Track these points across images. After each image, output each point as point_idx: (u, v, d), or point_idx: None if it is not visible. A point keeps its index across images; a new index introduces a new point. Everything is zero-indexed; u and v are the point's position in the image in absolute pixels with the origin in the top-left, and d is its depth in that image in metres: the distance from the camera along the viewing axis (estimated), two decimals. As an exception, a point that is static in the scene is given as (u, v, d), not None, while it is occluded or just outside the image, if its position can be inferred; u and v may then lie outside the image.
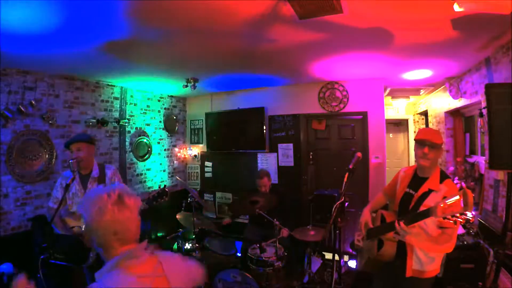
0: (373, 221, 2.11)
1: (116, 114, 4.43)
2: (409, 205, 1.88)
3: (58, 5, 1.92)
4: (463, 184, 3.83)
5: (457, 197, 1.44)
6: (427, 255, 1.83)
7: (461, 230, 3.05)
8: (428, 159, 1.82)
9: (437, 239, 1.73)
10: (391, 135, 6.91)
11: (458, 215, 1.44)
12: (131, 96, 4.70)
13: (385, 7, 2.03)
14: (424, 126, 6.52)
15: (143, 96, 4.93)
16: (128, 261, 0.97)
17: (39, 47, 2.62)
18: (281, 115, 4.95)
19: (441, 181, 1.82)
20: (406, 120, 6.84)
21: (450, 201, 1.47)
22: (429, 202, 1.77)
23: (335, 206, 1.77)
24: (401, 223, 1.66)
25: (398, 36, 2.59)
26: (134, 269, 0.97)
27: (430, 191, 1.82)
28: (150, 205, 2.33)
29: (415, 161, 1.98)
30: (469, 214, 1.45)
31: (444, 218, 1.50)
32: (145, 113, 4.97)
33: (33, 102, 3.30)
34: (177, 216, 3.47)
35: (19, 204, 3.23)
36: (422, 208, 1.75)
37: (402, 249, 1.88)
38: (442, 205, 1.50)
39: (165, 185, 2.41)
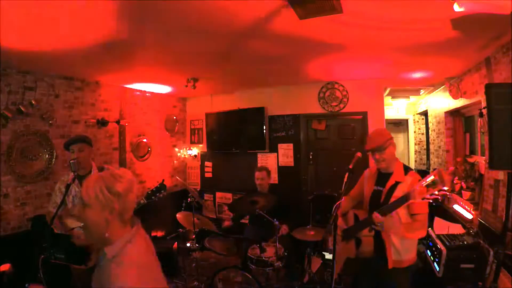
0: (346, 222, 2.17)
1: (116, 114, 4.43)
2: (379, 200, 1.98)
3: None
4: (463, 184, 3.83)
5: (432, 177, 1.58)
6: (403, 244, 1.92)
7: (461, 230, 3.05)
8: (383, 161, 2.02)
9: (411, 226, 1.86)
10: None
11: (436, 192, 1.56)
12: (131, 96, 4.71)
13: (385, 6, 2.03)
14: (424, 126, 6.52)
15: (143, 96, 4.93)
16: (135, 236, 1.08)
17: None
18: (281, 115, 4.96)
19: (405, 173, 1.97)
20: (406, 120, 6.84)
21: (425, 182, 1.61)
22: (397, 193, 1.89)
23: (335, 206, 1.79)
24: (377, 214, 1.77)
25: (398, 36, 2.59)
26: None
27: (397, 183, 1.94)
28: (149, 200, 2.33)
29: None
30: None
31: (423, 199, 1.61)
32: (145, 113, 4.97)
33: (33, 102, 3.30)
34: (177, 216, 3.47)
35: (19, 204, 3.23)
36: (392, 200, 1.86)
37: (380, 243, 1.96)
38: (418, 188, 1.62)
39: (163, 180, 2.41)
